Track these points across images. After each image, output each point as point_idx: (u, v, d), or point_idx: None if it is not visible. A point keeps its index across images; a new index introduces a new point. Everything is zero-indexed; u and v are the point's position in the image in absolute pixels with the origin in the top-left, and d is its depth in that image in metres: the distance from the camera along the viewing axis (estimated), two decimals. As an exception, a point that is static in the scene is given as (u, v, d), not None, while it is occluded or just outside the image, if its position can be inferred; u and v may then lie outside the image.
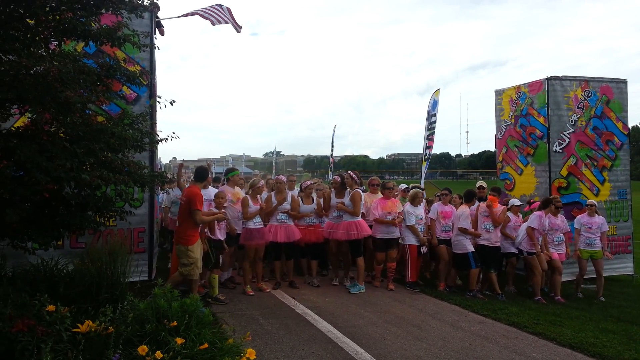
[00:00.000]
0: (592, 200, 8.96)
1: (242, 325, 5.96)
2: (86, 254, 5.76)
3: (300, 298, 7.38)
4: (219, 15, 8.80)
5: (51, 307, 3.68)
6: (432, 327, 6.25)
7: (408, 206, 8.38)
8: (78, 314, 3.95)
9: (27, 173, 4.36)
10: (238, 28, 9.12)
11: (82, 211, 5.13)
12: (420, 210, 8.42)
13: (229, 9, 9.00)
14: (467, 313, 6.99)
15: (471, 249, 8.12)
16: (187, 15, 8.75)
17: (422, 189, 9.44)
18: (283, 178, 8.35)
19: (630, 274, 10.10)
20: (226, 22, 8.89)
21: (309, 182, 8.76)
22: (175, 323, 3.74)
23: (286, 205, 8.01)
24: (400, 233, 8.35)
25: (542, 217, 8.20)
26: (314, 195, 8.74)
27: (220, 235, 7.31)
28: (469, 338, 5.88)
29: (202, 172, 7.09)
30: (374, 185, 9.05)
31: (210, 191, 9.54)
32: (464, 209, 8.32)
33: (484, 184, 9.35)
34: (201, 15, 8.71)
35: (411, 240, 8.27)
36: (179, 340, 3.53)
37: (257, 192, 7.90)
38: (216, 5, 8.92)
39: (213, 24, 8.83)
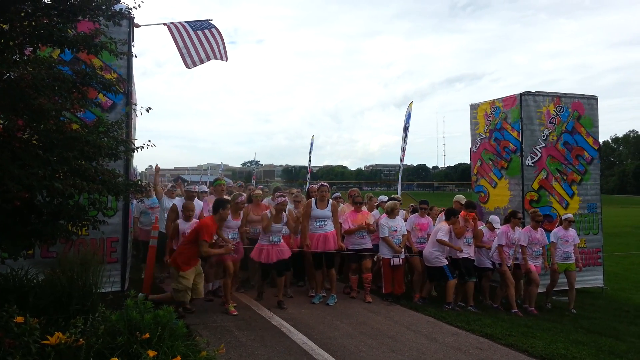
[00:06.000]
0: (570, 215, 9.14)
1: (216, 337, 5.90)
2: (57, 263, 5.64)
3: (275, 309, 7.34)
4: (197, 54, 8.68)
5: (20, 319, 3.59)
6: (407, 338, 6.28)
7: (383, 219, 8.37)
8: (48, 326, 3.86)
9: (-3, 181, 4.27)
10: (224, 57, 9.01)
11: (54, 220, 5.03)
12: (397, 222, 8.40)
13: (215, 37, 8.86)
14: (441, 324, 7.05)
15: (445, 262, 8.13)
16: (172, 35, 8.65)
17: (400, 201, 9.49)
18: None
19: (600, 286, 10.32)
20: (202, 62, 8.75)
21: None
22: (147, 335, 3.67)
23: (280, 227, 7.77)
24: (372, 244, 8.36)
25: (509, 232, 8.36)
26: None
27: None
28: (443, 349, 5.92)
29: (218, 204, 6.95)
30: (351, 197, 8.99)
31: (177, 201, 9.42)
32: (444, 225, 8.31)
33: (461, 199, 9.34)
34: (179, 50, 8.58)
35: (384, 252, 8.27)
36: (151, 353, 3.47)
37: (239, 208, 7.65)
38: (196, 27, 8.75)
39: (188, 66, 8.68)
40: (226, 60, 9.10)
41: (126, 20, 7.18)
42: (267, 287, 8.27)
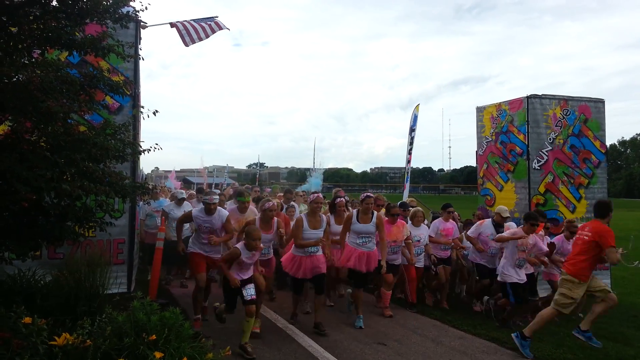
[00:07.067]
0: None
1: (222, 339, 5.89)
2: (64, 265, 5.67)
3: (281, 312, 7.33)
4: (197, 33, 8.85)
5: (27, 319, 3.60)
6: (412, 342, 6.27)
7: (409, 226, 7.95)
8: (55, 327, 3.88)
9: (6, 182, 4.30)
10: (224, 28, 9.20)
11: (62, 221, 5.06)
12: (421, 230, 8.05)
13: (216, 23, 9.04)
14: (447, 328, 7.02)
15: (513, 279, 7.13)
16: (172, 25, 8.79)
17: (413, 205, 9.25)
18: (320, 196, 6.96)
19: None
20: (201, 39, 8.91)
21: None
22: (154, 337, 3.69)
23: (320, 234, 6.64)
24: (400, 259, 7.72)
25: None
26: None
27: (240, 273, 5.80)
28: (449, 353, 5.90)
29: (603, 206, 6.08)
30: (378, 206, 8.23)
31: (185, 206, 9.34)
32: (519, 230, 7.37)
33: (503, 210, 8.20)
34: (178, 31, 8.75)
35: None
36: (158, 354, 3.48)
37: (269, 215, 6.52)
38: (199, 20, 8.95)
39: (186, 44, 8.88)
40: (228, 29, 9.34)
41: (133, 23, 7.23)
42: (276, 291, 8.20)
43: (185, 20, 8.92)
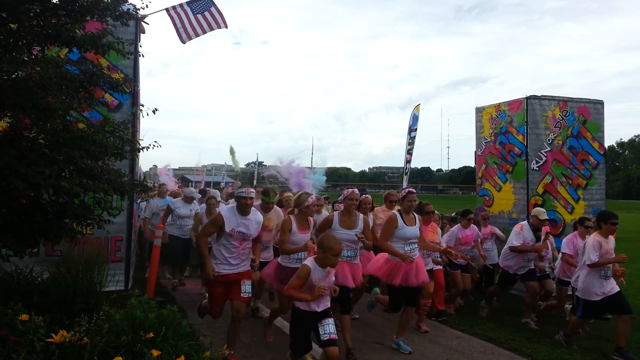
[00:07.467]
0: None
1: (219, 337, 5.89)
2: (62, 262, 5.66)
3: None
4: (193, 29, 8.79)
5: (25, 317, 3.61)
6: (410, 341, 6.25)
7: None
8: (52, 324, 3.88)
9: (4, 179, 4.29)
10: (222, 26, 9.12)
11: (60, 219, 5.05)
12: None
13: (213, 17, 8.98)
14: (445, 328, 7.03)
15: (593, 298, 6.23)
16: (169, 14, 8.74)
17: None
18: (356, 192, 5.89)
19: (605, 291, 10.25)
20: (198, 35, 8.85)
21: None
22: (151, 334, 3.69)
23: (353, 235, 5.68)
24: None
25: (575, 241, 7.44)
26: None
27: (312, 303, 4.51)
28: (446, 353, 5.91)
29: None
30: (392, 202, 7.69)
31: (194, 206, 9.26)
32: (594, 237, 6.33)
33: (540, 212, 7.59)
34: (175, 27, 8.71)
35: None
36: (155, 352, 3.48)
37: (308, 213, 5.85)
38: (197, 10, 8.88)
39: (183, 42, 8.83)
40: (226, 27, 9.19)
41: (133, 20, 7.23)
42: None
43: (180, 5, 8.79)
